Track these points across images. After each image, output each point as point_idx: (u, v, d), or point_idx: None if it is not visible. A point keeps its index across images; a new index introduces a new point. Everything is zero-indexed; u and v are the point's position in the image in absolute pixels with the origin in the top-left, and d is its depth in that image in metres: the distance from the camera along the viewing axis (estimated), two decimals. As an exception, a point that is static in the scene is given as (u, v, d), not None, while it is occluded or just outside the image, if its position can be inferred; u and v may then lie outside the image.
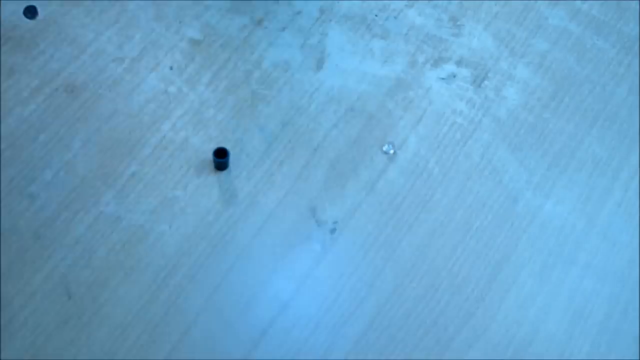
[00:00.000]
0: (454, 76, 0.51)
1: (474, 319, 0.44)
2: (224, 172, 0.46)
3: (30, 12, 0.49)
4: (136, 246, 0.43)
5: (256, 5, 0.52)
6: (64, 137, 0.46)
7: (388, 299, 0.44)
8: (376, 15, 0.52)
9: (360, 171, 0.47)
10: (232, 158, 0.46)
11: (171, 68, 0.49)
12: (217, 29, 0.51)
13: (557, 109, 0.51)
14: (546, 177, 0.48)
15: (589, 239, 0.47)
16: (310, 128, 0.48)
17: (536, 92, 0.51)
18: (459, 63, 0.51)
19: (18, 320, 0.41)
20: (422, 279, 0.44)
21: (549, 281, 0.45)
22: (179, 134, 0.47)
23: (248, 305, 0.43)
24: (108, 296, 0.42)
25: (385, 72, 0.51)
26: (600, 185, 0.48)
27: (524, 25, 0.54)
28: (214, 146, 0.46)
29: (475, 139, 0.49)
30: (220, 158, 0.45)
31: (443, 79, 0.51)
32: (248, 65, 0.50)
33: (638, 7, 0.55)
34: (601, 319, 0.44)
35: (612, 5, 0.55)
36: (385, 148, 0.47)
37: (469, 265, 0.45)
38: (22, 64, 0.47)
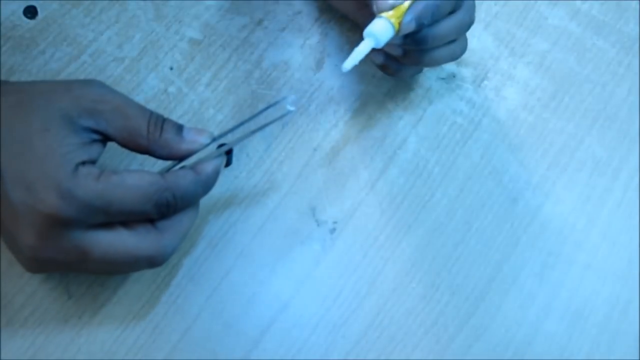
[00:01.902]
0: (454, 76, 0.51)
1: (474, 319, 0.44)
2: (224, 172, 0.46)
3: (30, 12, 0.49)
4: (136, 246, 0.43)
5: (256, 5, 0.52)
6: (64, 137, 0.46)
7: (388, 299, 0.44)
8: (376, 15, 0.52)
9: (360, 171, 0.47)
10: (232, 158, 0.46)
11: (171, 68, 0.49)
12: (217, 29, 0.51)
13: (557, 109, 0.51)
14: (546, 177, 0.48)
15: (589, 239, 0.47)
16: (310, 128, 0.48)
17: (536, 92, 0.51)
18: (458, 63, 0.51)
19: (18, 320, 0.41)
20: (422, 279, 0.44)
21: (549, 281, 0.45)
22: (179, 134, 0.47)
23: (248, 305, 0.43)
24: (108, 296, 0.42)
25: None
26: (600, 185, 0.48)
27: (524, 25, 0.54)
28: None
29: (475, 139, 0.49)
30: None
31: (443, 78, 0.51)
32: (248, 65, 0.50)
33: (638, 7, 0.55)
34: (601, 319, 0.44)
35: (612, 5, 0.55)
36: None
37: (469, 265, 0.45)
38: (22, 64, 0.47)
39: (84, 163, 0.35)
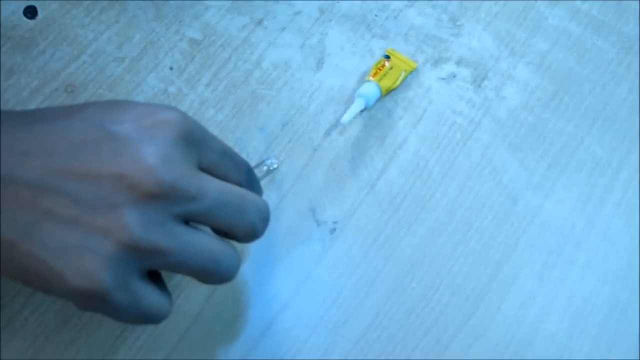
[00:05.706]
0: (454, 76, 0.51)
1: (474, 319, 0.44)
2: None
3: (30, 12, 0.49)
4: (136, 246, 0.43)
5: (256, 5, 0.52)
6: (64, 137, 0.46)
7: (388, 299, 0.44)
8: (376, 15, 0.52)
9: (360, 171, 0.47)
10: None
11: (171, 68, 0.49)
12: (217, 29, 0.51)
13: (557, 109, 0.51)
14: (546, 177, 0.48)
15: (589, 239, 0.47)
16: (310, 128, 0.48)
17: (536, 92, 0.51)
18: (459, 63, 0.51)
19: (18, 320, 0.41)
20: (422, 279, 0.44)
21: (549, 281, 0.45)
22: (179, 134, 0.47)
23: (248, 305, 0.43)
24: (108, 296, 0.42)
25: (385, 72, 0.51)
26: (600, 185, 0.48)
27: (524, 25, 0.54)
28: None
29: (475, 139, 0.49)
30: None
31: (443, 79, 0.51)
32: (248, 65, 0.50)
33: (638, 7, 0.55)
34: (601, 319, 0.44)
35: (612, 5, 0.55)
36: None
37: (469, 265, 0.45)
38: (22, 64, 0.48)
39: None
